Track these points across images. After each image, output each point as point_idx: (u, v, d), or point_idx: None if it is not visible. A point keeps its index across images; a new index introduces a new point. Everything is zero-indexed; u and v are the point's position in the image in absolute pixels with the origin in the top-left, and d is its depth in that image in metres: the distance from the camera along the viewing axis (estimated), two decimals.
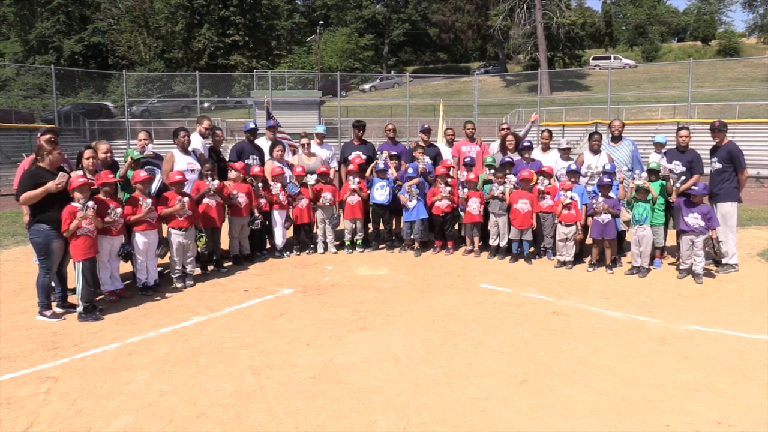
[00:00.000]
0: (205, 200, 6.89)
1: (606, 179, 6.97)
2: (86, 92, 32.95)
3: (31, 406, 3.72)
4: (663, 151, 7.55)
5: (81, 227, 5.22)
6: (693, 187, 6.71)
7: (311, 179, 7.93)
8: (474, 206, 7.81)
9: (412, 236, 8.08)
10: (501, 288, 6.41)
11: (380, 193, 8.07)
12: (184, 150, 7.02)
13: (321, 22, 56.55)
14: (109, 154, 6.38)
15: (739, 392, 3.88)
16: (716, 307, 5.72)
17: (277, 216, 7.84)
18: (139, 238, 6.01)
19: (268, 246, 8.14)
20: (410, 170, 7.97)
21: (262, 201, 7.61)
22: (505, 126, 8.70)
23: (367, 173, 8.31)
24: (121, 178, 6.18)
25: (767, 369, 4.24)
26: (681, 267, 6.80)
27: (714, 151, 7.18)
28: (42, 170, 5.27)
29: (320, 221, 8.14)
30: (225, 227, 7.50)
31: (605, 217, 6.91)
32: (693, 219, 6.54)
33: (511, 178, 7.55)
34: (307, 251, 8.11)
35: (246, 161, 7.70)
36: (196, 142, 7.44)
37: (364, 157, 8.41)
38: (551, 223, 7.44)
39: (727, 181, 6.99)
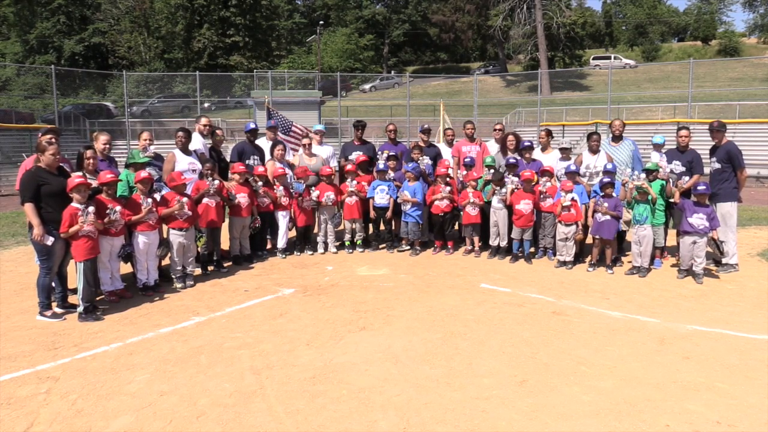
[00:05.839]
0: (205, 200, 6.89)
1: (606, 179, 6.96)
2: (86, 92, 32.98)
3: (32, 406, 3.72)
4: (663, 151, 7.56)
5: (82, 228, 5.22)
6: (699, 187, 6.68)
7: (311, 180, 7.93)
8: (472, 207, 7.81)
9: (408, 236, 8.09)
10: (501, 288, 6.41)
11: (381, 197, 8.07)
12: (185, 150, 7.02)
13: (321, 22, 56.52)
14: (108, 146, 6.41)
15: (739, 392, 3.88)
16: (716, 307, 5.72)
17: (280, 216, 7.84)
18: (140, 239, 6.01)
19: (268, 246, 8.14)
20: (408, 167, 7.98)
21: (266, 200, 7.62)
22: (498, 126, 8.68)
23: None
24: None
25: (767, 369, 4.24)
26: (681, 267, 6.79)
27: (713, 152, 7.18)
28: (42, 171, 5.27)
29: (322, 221, 8.14)
30: (225, 227, 7.51)
31: (601, 216, 6.90)
32: (698, 220, 6.51)
33: (513, 180, 7.55)
34: (308, 251, 8.10)
35: (247, 162, 7.71)
36: (197, 141, 7.45)
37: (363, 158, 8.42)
38: (552, 222, 7.44)
39: (727, 181, 6.99)
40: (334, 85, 28.54)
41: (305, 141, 8.51)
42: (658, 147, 7.58)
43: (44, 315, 5.38)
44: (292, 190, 7.80)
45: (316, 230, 8.38)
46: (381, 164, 8.19)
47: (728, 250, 6.91)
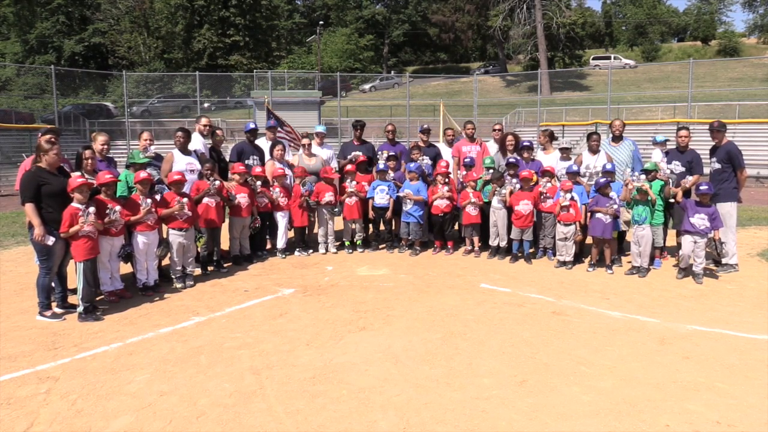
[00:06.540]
0: (205, 200, 6.89)
1: (603, 180, 6.95)
2: (86, 92, 32.98)
3: (32, 406, 3.72)
4: (665, 150, 7.55)
5: (82, 229, 5.22)
6: (701, 187, 6.67)
7: (309, 179, 7.94)
8: (472, 207, 7.81)
9: (408, 236, 8.09)
10: (501, 288, 6.41)
11: (381, 197, 8.06)
12: (184, 150, 7.02)
13: (321, 22, 56.53)
14: (106, 146, 6.41)
15: (739, 392, 3.88)
16: (716, 307, 5.72)
17: (279, 217, 7.84)
18: (140, 239, 6.01)
19: (268, 246, 8.14)
20: (411, 166, 7.97)
21: (264, 200, 7.61)
22: (498, 126, 8.68)
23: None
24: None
25: (767, 369, 4.24)
26: (681, 267, 6.79)
27: (713, 152, 7.18)
28: (42, 171, 5.27)
29: (323, 221, 8.12)
30: (225, 227, 7.50)
31: (606, 216, 6.90)
32: (699, 220, 6.50)
33: (511, 182, 7.54)
34: (306, 252, 8.09)
35: (246, 162, 7.71)
36: (197, 141, 7.45)
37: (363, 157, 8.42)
38: (552, 223, 7.43)
39: (727, 181, 6.99)
40: (334, 85, 28.54)
41: (305, 141, 8.51)
42: (659, 145, 7.57)
43: (44, 315, 5.37)
44: (303, 189, 7.78)
45: (315, 230, 8.38)
46: (381, 164, 8.19)
47: (728, 250, 6.91)
